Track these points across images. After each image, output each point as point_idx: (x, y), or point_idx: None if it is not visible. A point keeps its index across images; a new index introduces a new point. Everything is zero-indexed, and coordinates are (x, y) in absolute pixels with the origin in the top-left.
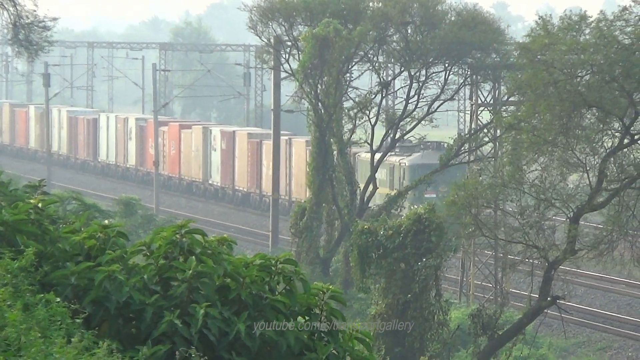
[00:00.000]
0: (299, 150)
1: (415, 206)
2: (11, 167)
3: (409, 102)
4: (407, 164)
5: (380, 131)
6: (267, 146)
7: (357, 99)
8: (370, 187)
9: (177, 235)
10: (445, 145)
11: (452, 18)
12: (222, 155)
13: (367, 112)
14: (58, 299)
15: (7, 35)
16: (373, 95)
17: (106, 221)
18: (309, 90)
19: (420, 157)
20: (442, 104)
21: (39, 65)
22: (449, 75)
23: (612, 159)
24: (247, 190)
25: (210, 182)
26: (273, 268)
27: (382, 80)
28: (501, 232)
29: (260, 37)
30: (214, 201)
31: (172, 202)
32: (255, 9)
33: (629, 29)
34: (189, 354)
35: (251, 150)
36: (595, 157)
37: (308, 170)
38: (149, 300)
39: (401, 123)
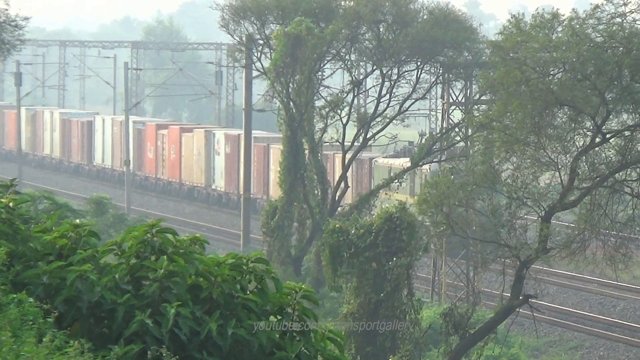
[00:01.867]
0: None
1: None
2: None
3: (381, 101)
4: (430, 170)
5: (351, 130)
6: (275, 151)
7: (328, 98)
8: (342, 186)
9: (149, 235)
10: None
11: (425, 16)
12: (227, 159)
13: (339, 111)
14: (31, 299)
15: None
16: (345, 94)
17: (77, 220)
18: (280, 89)
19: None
20: (414, 102)
21: (10, 64)
22: (420, 73)
23: (583, 157)
24: (253, 196)
25: (213, 187)
26: (244, 267)
27: (353, 79)
28: (473, 231)
29: (232, 36)
30: (217, 207)
31: (144, 201)
32: (227, 7)
33: (600, 27)
34: (161, 354)
35: (258, 155)
36: (567, 155)
37: (279, 169)
38: (121, 300)
39: (373, 122)
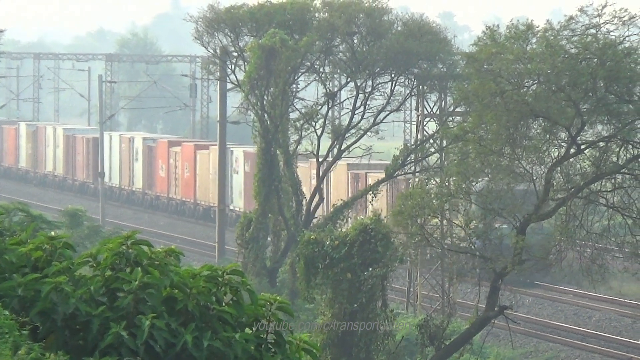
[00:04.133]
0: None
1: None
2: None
3: (355, 112)
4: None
5: (326, 142)
6: (301, 170)
7: (303, 110)
8: (317, 198)
9: (124, 247)
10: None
11: (399, 28)
12: (246, 178)
13: (313, 123)
14: (6, 312)
15: None
16: (319, 106)
17: (53, 232)
18: (255, 101)
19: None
20: (388, 114)
21: None
22: (395, 85)
23: (558, 168)
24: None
25: (231, 207)
26: (220, 279)
27: (328, 91)
28: (448, 242)
29: (206, 48)
30: (232, 228)
31: (118, 213)
32: (201, 19)
33: (575, 38)
34: None
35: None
36: (542, 167)
37: (254, 181)
38: (96, 312)
39: (347, 134)
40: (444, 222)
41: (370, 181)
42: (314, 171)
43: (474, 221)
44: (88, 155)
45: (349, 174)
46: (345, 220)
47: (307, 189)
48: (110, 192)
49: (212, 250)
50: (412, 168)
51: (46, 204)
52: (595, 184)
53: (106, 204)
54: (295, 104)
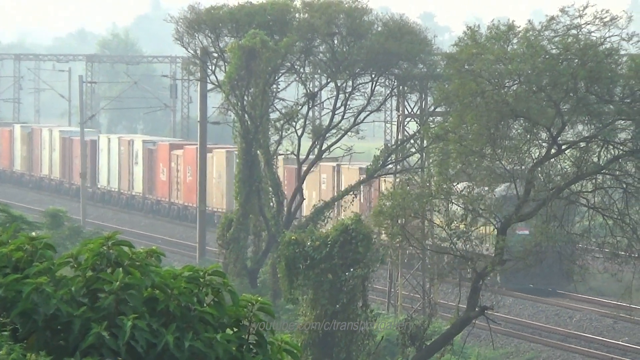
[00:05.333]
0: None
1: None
2: None
3: (336, 113)
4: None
5: (306, 142)
6: (310, 175)
7: (283, 110)
8: (297, 198)
9: (105, 247)
10: None
11: (379, 29)
12: None
13: (294, 123)
14: None
15: None
16: (299, 107)
17: (33, 233)
18: (235, 101)
19: (505, 188)
20: (368, 114)
21: None
22: (375, 86)
23: (539, 169)
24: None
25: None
26: (201, 280)
27: (308, 91)
28: (429, 242)
29: (186, 49)
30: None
31: (100, 213)
32: (181, 20)
33: (556, 38)
34: None
35: (288, 178)
36: (523, 167)
37: (234, 181)
38: (77, 312)
39: (328, 134)
40: (425, 222)
41: (383, 187)
42: (324, 175)
43: (455, 221)
44: (85, 158)
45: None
46: (325, 221)
47: (316, 193)
48: (109, 197)
49: (193, 251)
50: (393, 168)
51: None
52: (576, 185)
53: (104, 208)
54: (275, 105)
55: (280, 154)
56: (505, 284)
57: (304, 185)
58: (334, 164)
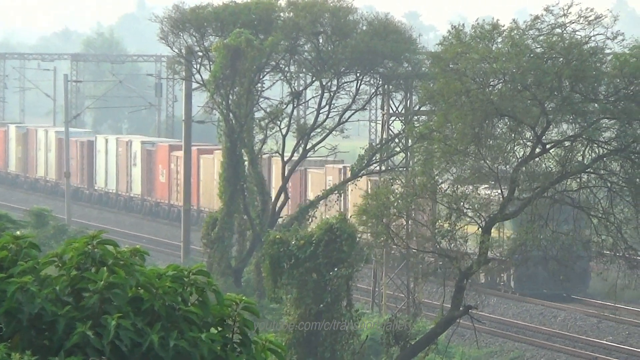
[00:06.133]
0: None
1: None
2: None
3: (321, 112)
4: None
5: (291, 141)
6: (315, 176)
7: (268, 110)
8: (282, 198)
9: (89, 246)
10: None
11: (364, 27)
12: None
13: (279, 122)
14: None
15: None
16: (284, 106)
17: (18, 232)
18: (220, 100)
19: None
20: (353, 113)
21: None
22: (360, 85)
23: (523, 168)
24: None
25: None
26: (186, 279)
27: (293, 90)
28: (413, 241)
29: (171, 48)
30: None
31: (84, 212)
32: (166, 19)
33: (540, 37)
34: None
35: (293, 181)
36: (507, 166)
37: (219, 180)
38: (61, 312)
39: (312, 133)
40: (410, 221)
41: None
42: (330, 177)
43: (439, 220)
44: (82, 159)
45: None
46: (310, 220)
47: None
48: (106, 198)
49: (178, 250)
50: (378, 167)
51: (11, 203)
52: (561, 184)
53: (102, 209)
54: (260, 104)
55: (264, 154)
56: (520, 289)
57: (309, 187)
58: (341, 166)
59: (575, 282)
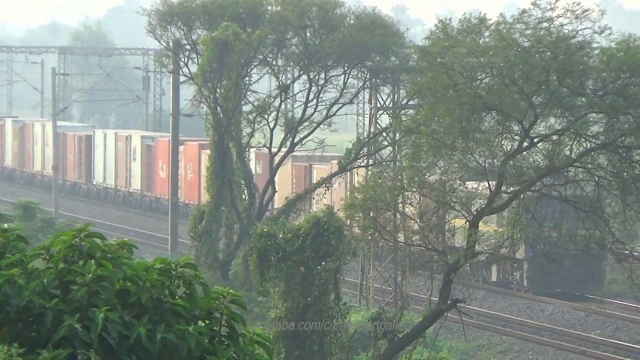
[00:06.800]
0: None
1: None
2: None
3: (308, 105)
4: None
5: (279, 135)
6: (320, 172)
7: (256, 103)
8: (269, 191)
9: (77, 239)
10: None
11: (351, 21)
12: (258, 180)
13: (266, 116)
14: None
15: None
16: (272, 99)
17: (5, 225)
18: (207, 94)
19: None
20: (341, 107)
21: None
22: (348, 78)
23: (511, 162)
24: None
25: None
26: (173, 272)
27: (281, 83)
28: (401, 235)
29: (159, 41)
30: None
31: (72, 205)
32: (153, 13)
33: (528, 31)
34: (89, 358)
35: (297, 177)
36: (495, 160)
37: (207, 174)
38: (49, 304)
39: (300, 127)
40: (397, 215)
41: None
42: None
43: (427, 214)
44: (80, 154)
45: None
46: (297, 213)
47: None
48: (104, 193)
49: (165, 243)
50: (365, 161)
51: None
52: (548, 177)
53: (101, 205)
54: (248, 97)
55: (252, 147)
56: (533, 288)
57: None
58: None
59: (590, 282)
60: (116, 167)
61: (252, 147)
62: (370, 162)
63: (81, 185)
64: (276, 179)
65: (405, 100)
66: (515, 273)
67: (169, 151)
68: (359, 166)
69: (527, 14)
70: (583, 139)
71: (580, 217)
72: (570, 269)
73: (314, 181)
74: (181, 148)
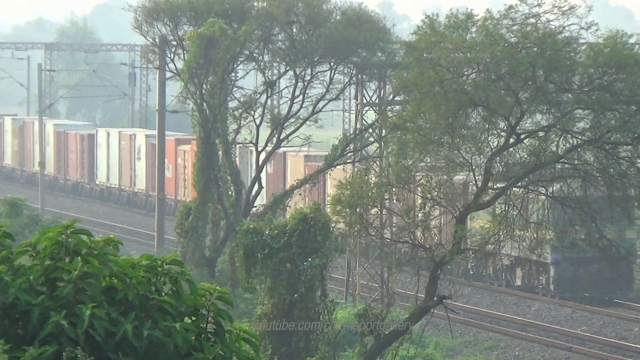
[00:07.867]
0: None
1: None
2: None
3: (294, 101)
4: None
5: (265, 131)
6: (334, 173)
7: (242, 99)
8: (256, 187)
9: (63, 236)
10: None
11: (338, 17)
12: (268, 180)
13: (252, 112)
14: None
15: None
16: (258, 95)
17: None
18: (194, 90)
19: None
20: (327, 103)
21: None
22: (334, 74)
23: (497, 158)
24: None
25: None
26: (159, 269)
27: (267, 79)
28: (387, 231)
29: (145, 37)
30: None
31: (58, 202)
32: (140, 8)
33: (515, 27)
34: (76, 355)
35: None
36: (481, 156)
37: (193, 170)
38: (35, 301)
39: (286, 123)
40: (384, 211)
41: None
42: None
43: (413, 210)
44: (82, 153)
45: None
46: (284, 210)
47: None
48: (108, 193)
49: (151, 240)
50: (352, 157)
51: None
52: (535, 174)
53: (105, 205)
54: (234, 93)
55: (238, 143)
56: (560, 293)
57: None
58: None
59: (618, 286)
60: (120, 167)
61: (239, 143)
62: (357, 158)
63: (84, 185)
64: (287, 177)
65: (391, 96)
66: (541, 277)
67: (175, 150)
68: (345, 162)
69: (513, 10)
70: (569, 135)
71: (567, 214)
72: (598, 273)
73: (328, 183)
74: (187, 147)
